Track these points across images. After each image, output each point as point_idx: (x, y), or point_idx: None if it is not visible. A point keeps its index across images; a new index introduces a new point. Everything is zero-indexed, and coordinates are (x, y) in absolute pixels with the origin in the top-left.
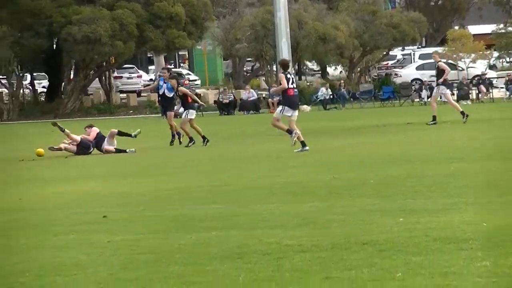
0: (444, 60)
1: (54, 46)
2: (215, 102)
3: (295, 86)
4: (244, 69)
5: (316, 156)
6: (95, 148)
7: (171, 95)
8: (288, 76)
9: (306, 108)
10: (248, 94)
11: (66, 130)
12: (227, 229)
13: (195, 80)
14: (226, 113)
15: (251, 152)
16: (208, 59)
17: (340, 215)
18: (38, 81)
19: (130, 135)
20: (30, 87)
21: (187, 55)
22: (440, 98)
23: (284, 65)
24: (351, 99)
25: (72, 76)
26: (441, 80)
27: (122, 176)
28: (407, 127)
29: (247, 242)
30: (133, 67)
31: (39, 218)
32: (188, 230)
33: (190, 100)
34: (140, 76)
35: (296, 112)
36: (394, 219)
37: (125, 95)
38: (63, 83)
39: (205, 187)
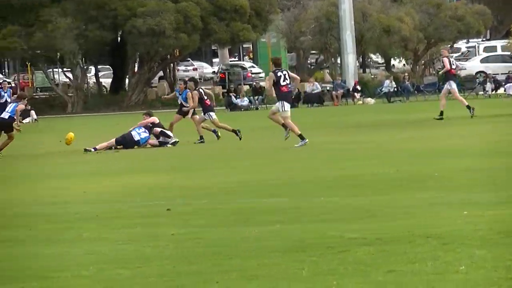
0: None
1: (119, 38)
2: None
3: (288, 83)
4: (308, 61)
5: (379, 149)
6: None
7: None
8: (279, 74)
9: (370, 100)
10: (312, 86)
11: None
12: (289, 222)
13: (259, 73)
14: None
15: (313, 144)
16: (272, 51)
17: (403, 208)
18: (102, 73)
19: (166, 143)
20: (95, 80)
21: (251, 48)
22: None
23: (276, 63)
24: (415, 92)
25: (136, 69)
26: (441, 72)
27: (184, 169)
28: (471, 121)
29: (310, 235)
30: (189, 60)
31: (103, 210)
32: (250, 223)
33: (208, 103)
34: (195, 69)
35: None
36: (458, 212)
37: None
38: (127, 76)
39: (267, 180)
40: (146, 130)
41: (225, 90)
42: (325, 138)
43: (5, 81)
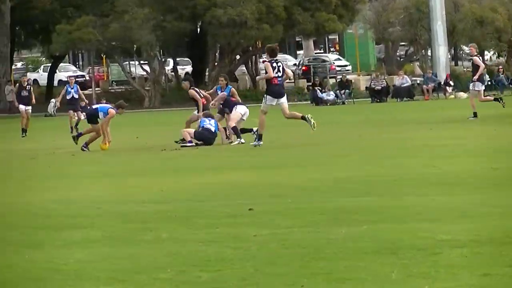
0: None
1: (198, 29)
2: (366, 88)
3: (280, 75)
4: (397, 53)
5: (473, 145)
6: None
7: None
8: (274, 64)
9: (462, 95)
10: (402, 80)
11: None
12: (379, 223)
13: (346, 66)
14: (378, 100)
15: (404, 141)
16: (359, 43)
17: (499, 207)
18: (181, 67)
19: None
20: (173, 72)
21: (337, 39)
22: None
23: (271, 52)
24: (510, 85)
25: (216, 61)
26: (476, 77)
27: (266, 166)
28: None
29: (401, 236)
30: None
31: (182, 210)
32: (338, 223)
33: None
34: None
35: (282, 100)
36: None
37: None
38: (207, 69)
39: (355, 178)
40: (211, 118)
41: (310, 84)
42: (415, 134)
43: (72, 77)
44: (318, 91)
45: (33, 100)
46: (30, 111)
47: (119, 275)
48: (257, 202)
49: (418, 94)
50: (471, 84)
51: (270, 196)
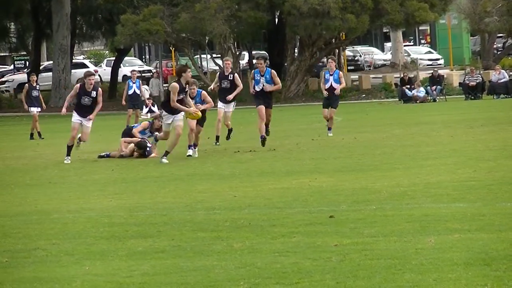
0: None
1: (276, 20)
2: (460, 84)
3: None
4: (495, 46)
5: None
6: None
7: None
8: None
9: None
10: (499, 75)
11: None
12: (473, 231)
13: (438, 59)
14: (472, 97)
15: (501, 141)
16: (452, 35)
17: None
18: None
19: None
20: (248, 67)
21: (428, 31)
22: None
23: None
24: None
25: (296, 54)
26: None
27: (347, 170)
28: None
29: (496, 246)
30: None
31: (256, 217)
32: (427, 232)
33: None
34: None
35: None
36: None
37: (356, 76)
38: (285, 63)
39: (447, 183)
40: None
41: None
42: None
43: (135, 71)
44: (406, 89)
45: (43, 105)
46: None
47: None
48: (338, 209)
49: None
50: None
51: (352, 203)
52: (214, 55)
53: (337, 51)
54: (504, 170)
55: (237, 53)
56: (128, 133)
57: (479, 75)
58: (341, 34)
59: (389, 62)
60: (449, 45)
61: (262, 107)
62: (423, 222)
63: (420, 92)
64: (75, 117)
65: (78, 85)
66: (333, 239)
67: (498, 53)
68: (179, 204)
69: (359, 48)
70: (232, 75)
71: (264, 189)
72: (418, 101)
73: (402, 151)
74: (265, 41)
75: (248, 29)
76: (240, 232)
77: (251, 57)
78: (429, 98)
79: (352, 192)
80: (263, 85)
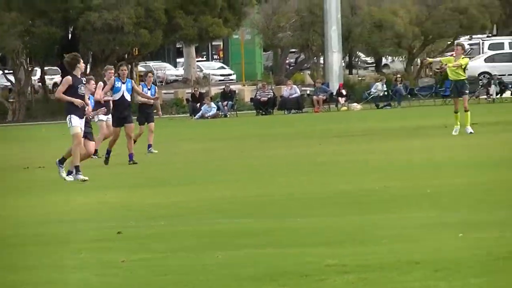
0: None
1: (70, 35)
2: (251, 99)
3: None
4: (287, 61)
5: (366, 162)
6: None
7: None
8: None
9: (356, 106)
10: (290, 90)
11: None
12: (260, 247)
13: (230, 75)
14: (263, 112)
15: (293, 157)
16: (246, 50)
17: (390, 229)
18: (49, 76)
19: None
20: (40, 83)
21: (221, 46)
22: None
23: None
24: (409, 96)
25: (88, 70)
26: None
27: (140, 185)
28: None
29: (283, 262)
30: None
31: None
32: (215, 247)
33: None
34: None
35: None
36: (453, 234)
37: None
38: None
39: (238, 198)
40: None
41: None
42: (303, 150)
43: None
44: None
45: None
46: None
47: None
48: (125, 225)
49: (308, 106)
50: None
51: (139, 218)
52: (5, 71)
53: (129, 66)
54: (293, 186)
55: (29, 69)
56: None
57: (271, 91)
58: (134, 50)
59: (182, 77)
60: (242, 60)
61: None
62: (211, 237)
63: (212, 108)
64: None
65: None
66: (121, 255)
67: (291, 68)
68: None
69: (151, 63)
70: None
71: (69, 203)
72: (209, 117)
73: (192, 167)
74: (58, 57)
75: (41, 44)
76: (25, 248)
77: (43, 73)
78: (220, 113)
79: (136, 207)
80: None
